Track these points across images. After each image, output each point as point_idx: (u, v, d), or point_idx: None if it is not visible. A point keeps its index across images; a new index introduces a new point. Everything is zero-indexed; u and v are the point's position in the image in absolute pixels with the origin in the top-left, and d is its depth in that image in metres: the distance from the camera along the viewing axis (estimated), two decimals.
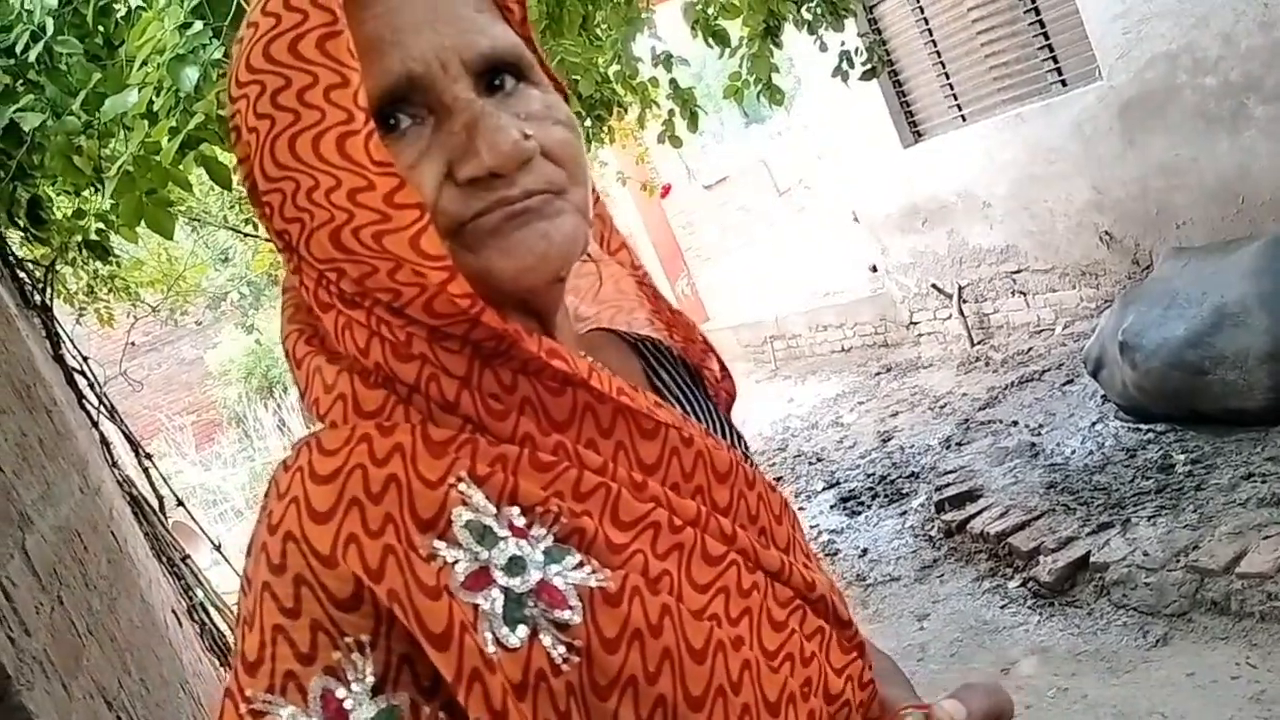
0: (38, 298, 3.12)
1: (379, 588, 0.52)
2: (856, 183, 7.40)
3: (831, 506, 5.12)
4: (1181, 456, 3.82)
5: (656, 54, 4.34)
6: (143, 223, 2.24)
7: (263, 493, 0.59)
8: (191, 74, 1.95)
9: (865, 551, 4.43)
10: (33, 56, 2.20)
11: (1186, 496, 3.52)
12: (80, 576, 1.84)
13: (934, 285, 7.06)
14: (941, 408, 5.96)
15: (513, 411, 0.59)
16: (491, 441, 0.58)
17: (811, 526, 4.89)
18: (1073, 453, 4.33)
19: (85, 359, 3.25)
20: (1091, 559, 3.38)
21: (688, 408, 0.76)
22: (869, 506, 4.93)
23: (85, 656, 1.65)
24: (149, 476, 3.49)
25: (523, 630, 0.54)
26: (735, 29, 4.25)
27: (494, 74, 0.61)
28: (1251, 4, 4.57)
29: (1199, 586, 3.03)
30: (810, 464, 5.99)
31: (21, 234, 2.97)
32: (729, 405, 0.83)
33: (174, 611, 2.89)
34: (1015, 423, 5.04)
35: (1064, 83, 5.67)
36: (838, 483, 5.43)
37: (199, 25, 1.98)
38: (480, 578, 0.54)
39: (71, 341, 3.24)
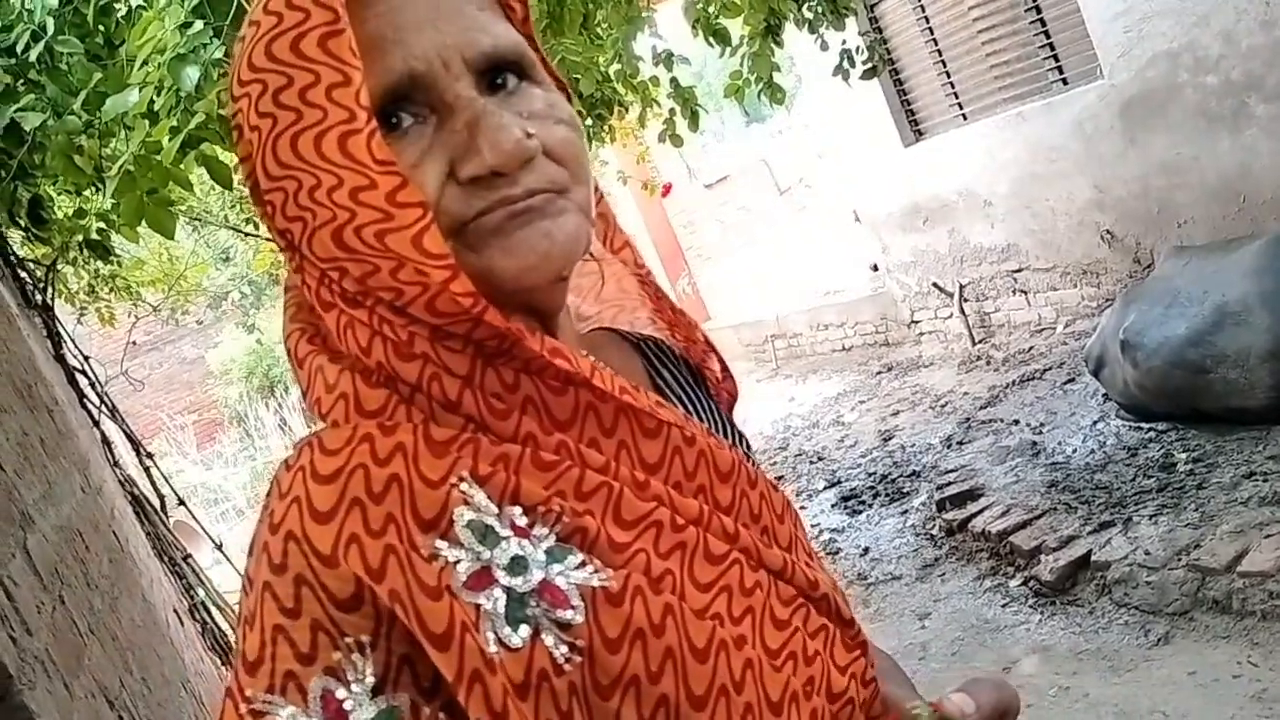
0: (39, 297, 3.12)
1: (380, 588, 0.52)
2: (857, 182, 7.40)
3: (833, 505, 5.12)
4: (1183, 455, 3.82)
5: (657, 53, 4.33)
6: (144, 222, 2.24)
7: (264, 492, 0.59)
8: (192, 73, 1.95)
9: (866, 550, 4.43)
10: (33, 56, 2.20)
11: (1188, 495, 3.52)
12: (82, 576, 1.84)
13: (935, 284, 7.05)
14: (943, 406, 5.96)
15: (515, 411, 0.59)
16: (494, 441, 0.58)
17: (813, 525, 4.89)
18: (1074, 451, 4.33)
19: (86, 358, 3.25)
20: (1093, 558, 3.38)
21: (690, 407, 0.76)
22: (870, 505, 4.93)
23: (87, 656, 1.65)
24: (150, 476, 3.49)
25: (525, 630, 0.54)
26: (736, 28, 4.24)
27: (496, 72, 0.61)
28: (1253, 2, 4.57)
29: (1200, 585, 3.03)
30: (811, 463, 5.99)
31: (22, 233, 2.97)
32: (731, 405, 0.83)
33: (175, 611, 2.89)
34: (1016, 421, 5.04)
35: (1065, 81, 5.67)
36: (839, 481, 5.43)
37: (199, 25, 1.98)
38: (482, 578, 0.54)
39: (72, 341, 3.24)
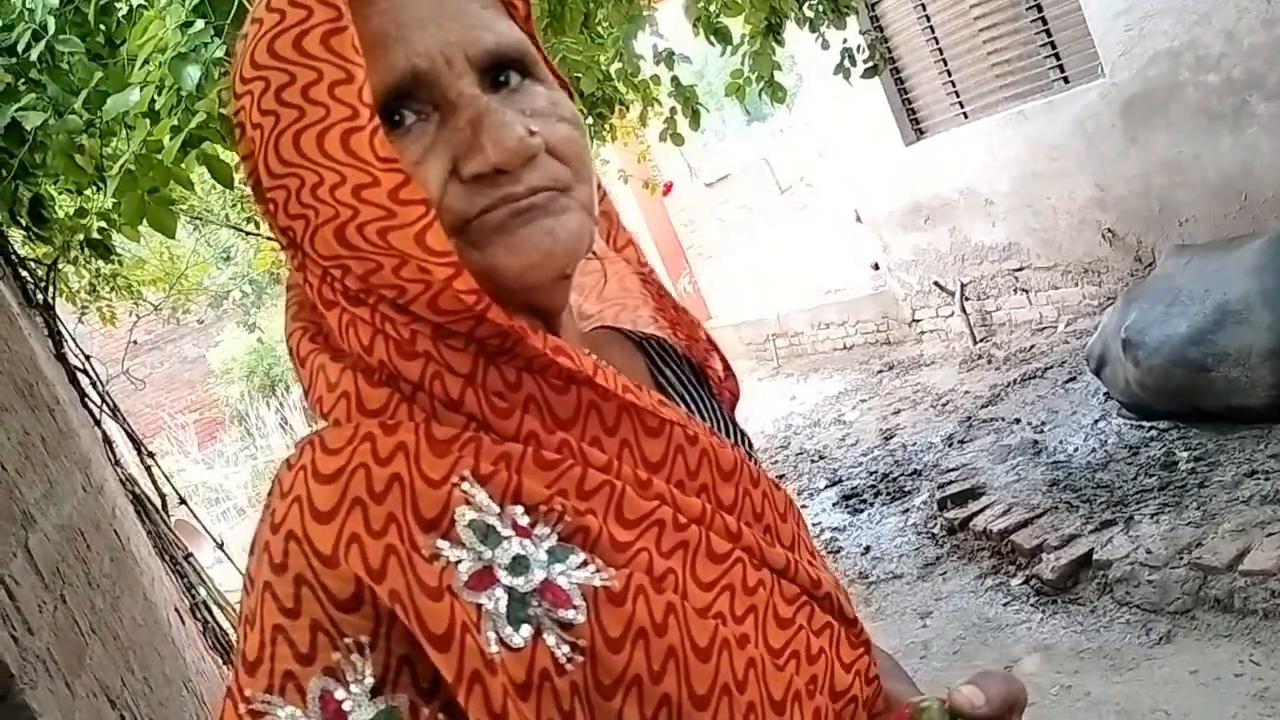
0: (40, 296, 3.12)
1: (380, 588, 0.51)
2: (858, 180, 7.40)
3: (834, 504, 5.12)
4: (1184, 454, 3.82)
5: (658, 52, 4.33)
6: (145, 221, 2.24)
7: (265, 491, 0.59)
8: (193, 72, 1.95)
9: (868, 549, 4.42)
10: (34, 55, 2.20)
11: (1189, 494, 3.52)
12: (83, 575, 1.84)
13: (936, 283, 7.05)
14: (944, 405, 5.96)
15: (517, 409, 0.59)
16: (496, 440, 0.58)
17: (814, 524, 4.88)
18: (1075, 450, 4.33)
19: (87, 357, 3.25)
20: (1094, 556, 3.38)
21: (692, 406, 0.76)
22: (871, 504, 4.93)
23: (88, 655, 1.65)
24: (151, 475, 3.49)
25: (526, 630, 0.53)
26: (737, 26, 4.24)
27: (499, 70, 0.61)
28: (1254, 1, 4.56)
29: (1202, 584, 3.02)
30: (812, 462, 5.99)
31: (24, 233, 2.97)
32: (733, 404, 0.83)
33: (177, 610, 2.89)
34: (1018, 420, 5.04)
35: (1066, 80, 5.67)
36: (840, 480, 5.43)
37: (200, 24, 1.98)
38: (484, 577, 0.54)
39: (74, 340, 3.24)
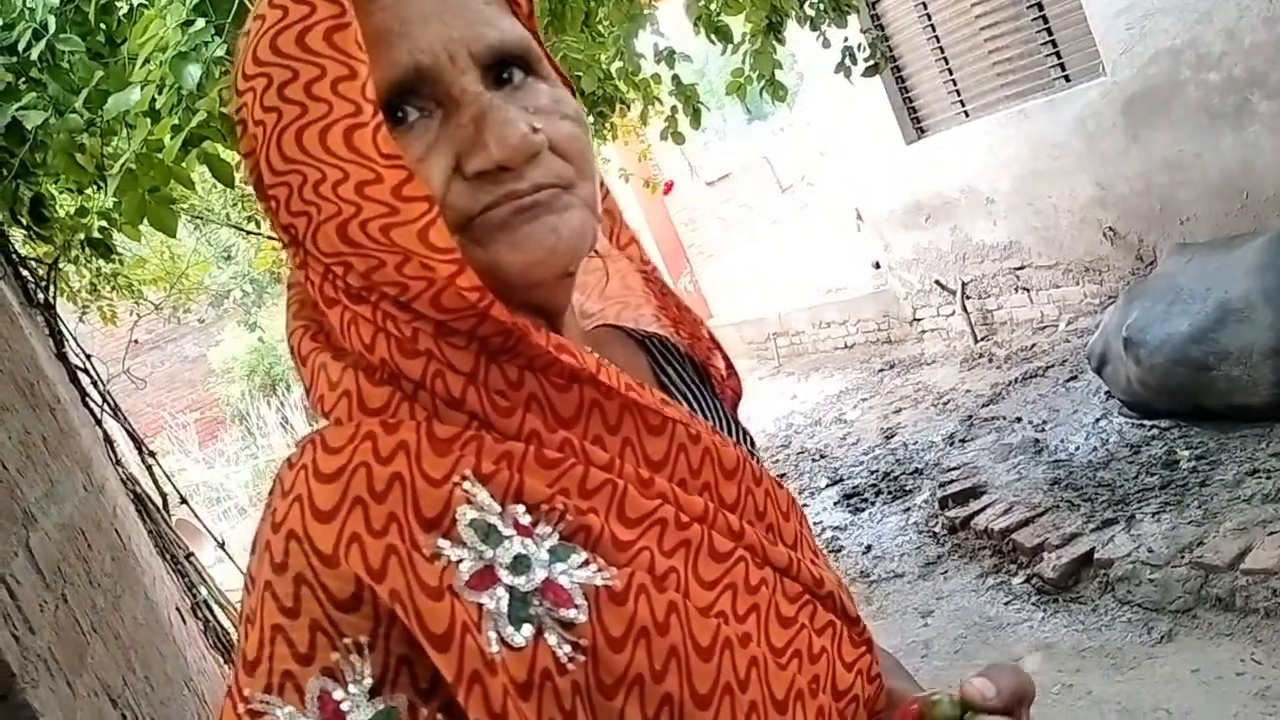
0: (41, 296, 3.12)
1: (380, 588, 0.51)
2: (859, 179, 7.40)
3: (835, 503, 5.12)
4: (1186, 453, 3.82)
5: (659, 50, 4.33)
6: (145, 220, 2.24)
7: (266, 490, 0.59)
8: (194, 71, 1.95)
9: (869, 548, 4.42)
10: (35, 54, 2.20)
11: (1191, 493, 3.51)
12: (84, 574, 1.84)
13: (937, 281, 7.05)
14: (945, 404, 5.96)
15: (519, 408, 0.59)
16: (497, 438, 0.58)
17: (815, 523, 4.88)
18: (1077, 449, 4.33)
19: (88, 357, 3.26)
20: (1096, 555, 3.38)
21: (694, 404, 0.76)
22: (872, 503, 4.92)
23: (89, 654, 1.65)
24: (152, 474, 3.49)
25: (528, 629, 0.53)
26: (738, 25, 4.24)
27: (502, 67, 0.61)
28: None
29: (1203, 583, 3.02)
30: (813, 461, 5.99)
31: (24, 232, 2.97)
32: (735, 403, 0.83)
33: (178, 609, 2.89)
34: (1019, 419, 5.03)
35: (1067, 78, 5.66)
36: (841, 479, 5.43)
37: (201, 22, 1.98)
38: (485, 577, 0.54)
39: (74, 339, 3.24)
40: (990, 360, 6.36)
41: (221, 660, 3.18)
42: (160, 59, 1.99)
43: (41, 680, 1.32)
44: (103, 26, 2.35)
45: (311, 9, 0.56)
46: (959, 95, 6.37)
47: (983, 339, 6.77)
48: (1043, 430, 4.73)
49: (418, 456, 0.55)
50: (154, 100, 2.04)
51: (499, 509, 0.56)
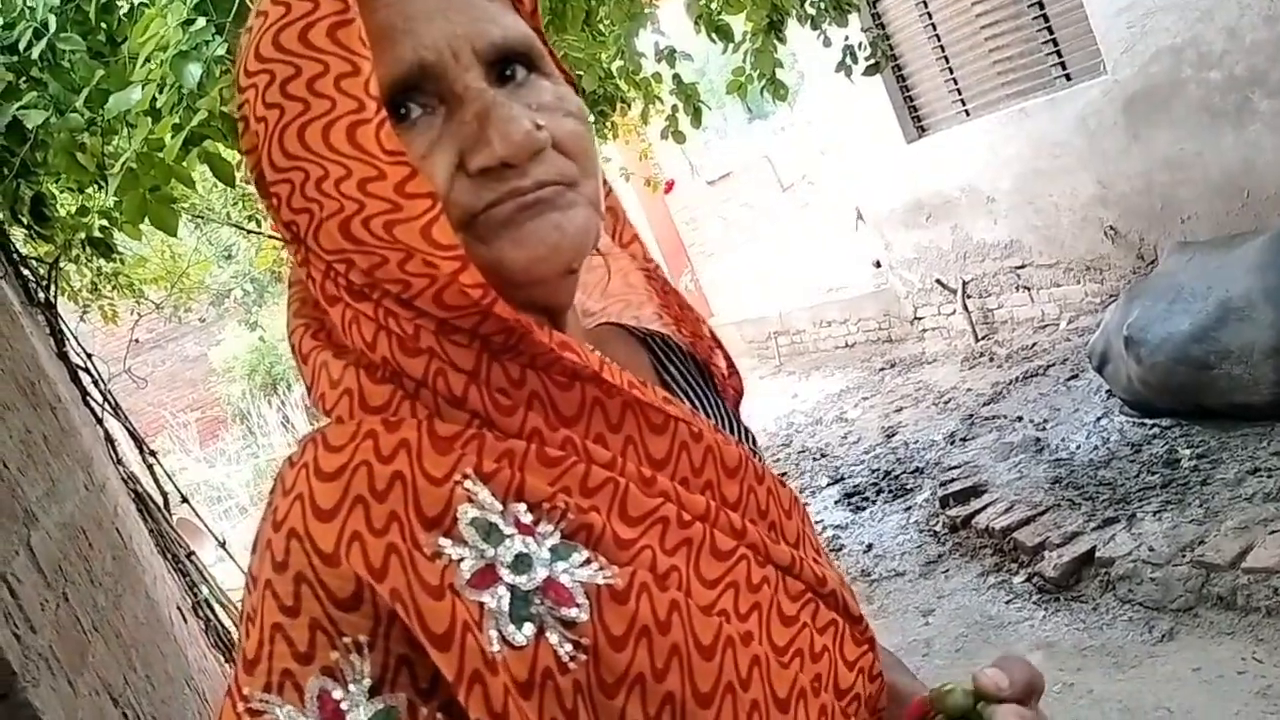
0: (41, 295, 3.12)
1: (381, 586, 0.51)
2: (860, 178, 7.39)
3: (836, 502, 5.12)
4: (1187, 451, 3.82)
5: (660, 49, 4.33)
6: (146, 220, 2.24)
7: (267, 489, 0.59)
8: (194, 70, 1.95)
9: (870, 547, 4.42)
10: (36, 54, 2.20)
11: (1192, 491, 3.51)
12: (85, 573, 1.84)
13: (938, 280, 7.05)
14: (946, 403, 5.95)
15: (521, 406, 0.59)
16: (499, 437, 0.58)
17: (816, 522, 4.86)
18: (1078, 448, 4.33)
19: (89, 356, 3.25)
20: (1097, 554, 3.38)
21: (696, 403, 0.76)
22: (873, 502, 4.92)
23: (90, 653, 1.65)
24: (153, 473, 3.49)
25: (529, 628, 0.53)
26: (738, 24, 4.24)
27: (505, 64, 0.61)
28: None
29: (1205, 582, 3.02)
30: (814, 460, 5.99)
31: (25, 231, 2.97)
32: (736, 401, 0.83)
33: (179, 608, 2.89)
34: (1020, 418, 5.03)
35: (1068, 77, 5.66)
36: (842, 478, 5.43)
37: (202, 22, 1.98)
38: (486, 575, 0.54)
39: (75, 338, 3.24)
40: (991, 359, 6.35)
41: (222, 659, 3.18)
42: (161, 58, 1.99)
43: (42, 679, 1.32)
44: (103, 25, 2.35)
45: (315, 5, 0.56)
46: (960, 94, 6.37)
47: (983, 338, 6.77)
48: (1044, 429, 4.73)
49: (419, 455, 0.55)
50: (155, 99, 2.04)
51: (500, 507, 0.56)
